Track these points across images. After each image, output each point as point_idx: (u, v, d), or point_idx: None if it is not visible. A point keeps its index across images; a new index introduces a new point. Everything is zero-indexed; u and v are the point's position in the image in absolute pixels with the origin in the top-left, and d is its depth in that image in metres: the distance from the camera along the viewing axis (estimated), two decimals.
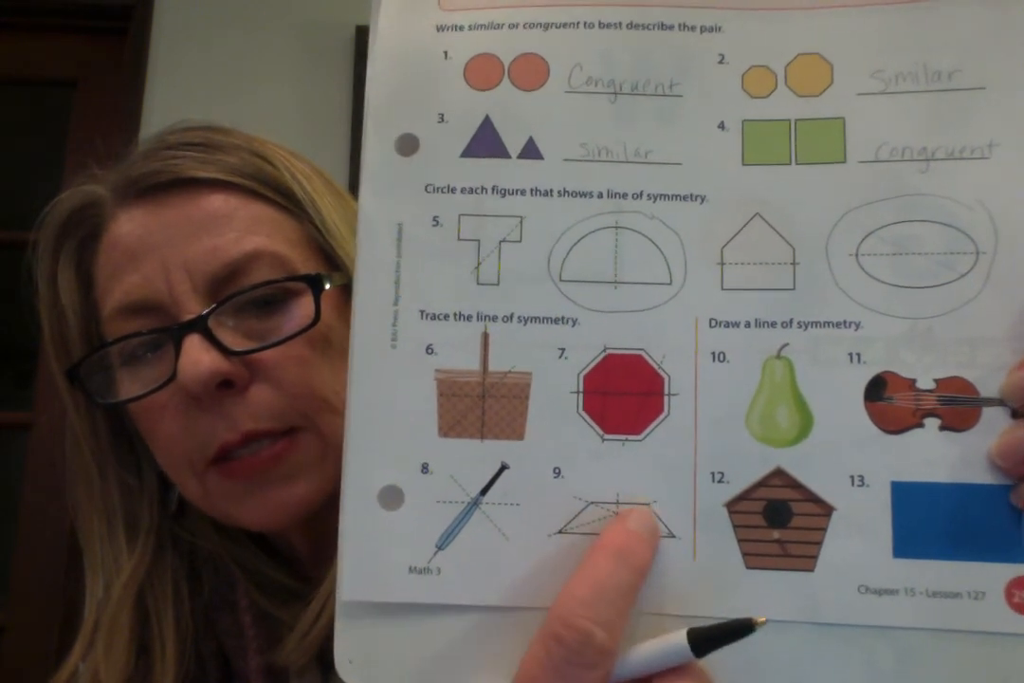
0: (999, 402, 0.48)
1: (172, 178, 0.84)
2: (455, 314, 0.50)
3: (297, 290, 0.81)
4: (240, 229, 0.82)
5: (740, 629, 0.45)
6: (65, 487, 0.90)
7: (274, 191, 0.86)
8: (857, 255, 0.50)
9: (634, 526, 0.47)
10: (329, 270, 0.84)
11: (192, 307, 0.80)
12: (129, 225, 0.84)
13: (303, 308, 0.80)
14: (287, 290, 0.81)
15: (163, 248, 0.82)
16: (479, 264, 0.51)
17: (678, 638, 0.45)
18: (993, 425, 0.48)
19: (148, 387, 0.80)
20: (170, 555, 0.89)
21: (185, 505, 0.91)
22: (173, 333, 0.79)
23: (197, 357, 0.76)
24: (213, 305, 0.79)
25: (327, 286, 0.81)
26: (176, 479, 0.85)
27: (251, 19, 2.68)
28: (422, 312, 0.50)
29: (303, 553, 0.90)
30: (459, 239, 0.51)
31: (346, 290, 0.84)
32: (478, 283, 0.51)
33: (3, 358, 3.42)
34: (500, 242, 0.51)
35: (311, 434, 0.80)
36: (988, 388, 0.48)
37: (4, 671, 2.32)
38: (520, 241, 0.51)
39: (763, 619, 0.44)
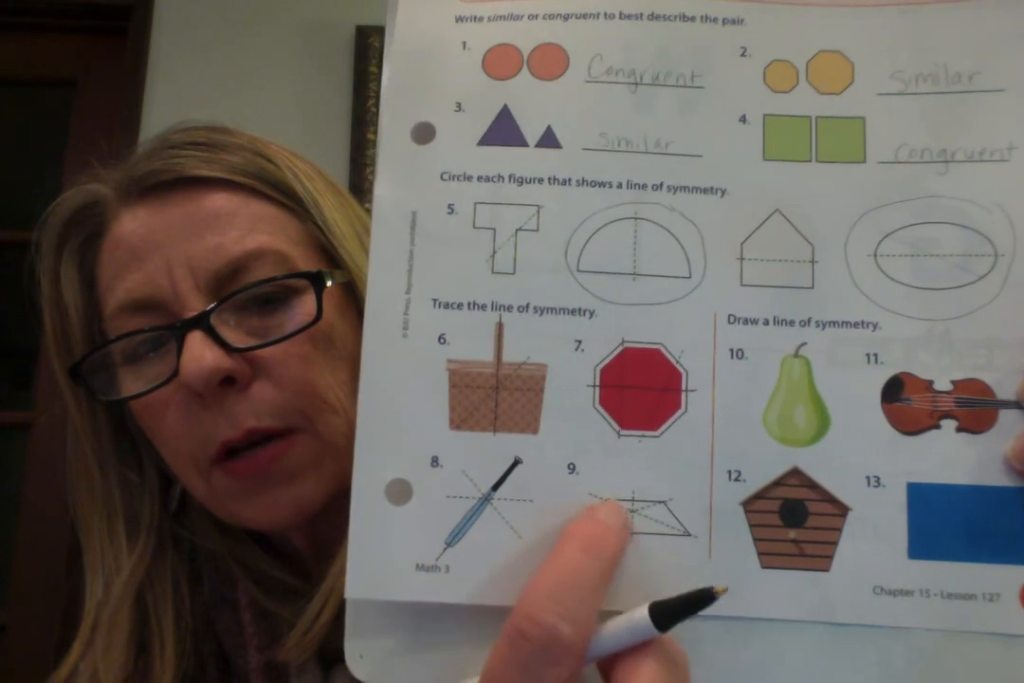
0: (1016, 404, 0.48)
1: (175, 177, 0.84)
2: (469, 303, 0.50)
3: (299, 288, 0.82)
4: (243, 227, 0.83)
5: (701, 600, 0.44)
6: (66, 486, 0.90)
7: (276, 190, 0.86)
8: (875, 256, 0.50)
9: (603, 517, 0.47)
10: (330, 268, 0.84)
11: (195, 304, 0.80)
12: (132, 224, 0.85)
13: (305, 306, 0.81)
14: (289, 288, 0.82)
15: (166, 246, 0.82)
16: (494, 253, 0.50)
17: (640, 613, 0.44)
18: (1010, 427, 0.48)
19: (150, 384, 0.80)
20: (170, 554, 0.89)
21: (186, 503, 0.91)
22: (176, 330, 0.79)
23: (200, 354, 0.77)
24: (215, 302, 0.79)
25: (329, 283, 0.82)
26: (182, 477, 0.85)
27: (251, 19, 2.68)
28: (435, 301, 0.50)
29: (304, 550, 0.90)
30: (474, 227, 0.51)
31: (347, 288, 0.85)
32: (493, 272, 0.50)
33: (3, 358, 3.41)
34: (516, 231, 0.50)
35: (308, 435, 0.80)
36: (1005, 390, 0.48)
37: (4, 670, 2.32)
38: (537, 230, 0.51)
39: (723, 588, 0.44)
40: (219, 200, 0.84)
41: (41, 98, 3.02)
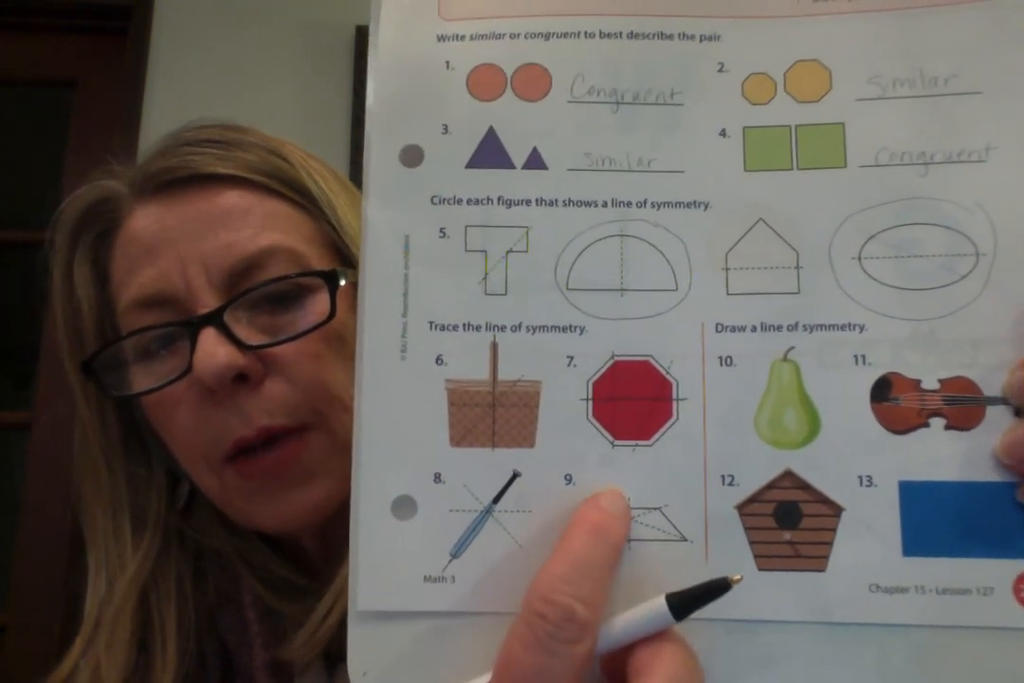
0: (1002, 401, 0.48)
1: (189, 174, 0.85)
2: (464, 324, 0.51)
3: (312, 286, 0.82)
4: (256, 225, 0.83)
5: (717, 589, 0.45)
6: (68, 486, 0.91)
7: (290, 188, 0.87)
8: (860, 258, 0.50)
9: (607, 505, 0.48)
10: (343, 267, 0.85)
11: (208, 301, 0.81)
12: (146, 220, 0.85)
13: (318, 304, 0.81)
14: (302, 286, 0.82)
15: (180, 243, 0.82)
16: (486, 274, 0.51)
17: (657, 604, 0.45)
18: (997, 424, 0.48)
19: (162, 381, 0.81)
20: (175, 551, 0.89)
21: (193, 502, 0.92)
22: (189, 327, 0.80)
23: (212, 350, 0.77)
24: (229, 299, 0.80)
25: (342, 282, 0.82)
26: (193, 475, 0.85)
27: (251, 19, 2.68)
28: (431, 323, 0.51)
29: (312, 550, 0.91)
30: (466, 250, 0.51)
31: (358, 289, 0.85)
32: (486, 293, 0.51)
33: (3, 358, 3.42)
34: (507, 252, 0.51)
35: (323, 433, 0.81)
36: (991, 387, 0.48)
37: (4, 670, 2.33)
38: (527, 251, 0.51)
39: (738, 577, 0.45)
40: (233, 198, 0.84)
41: (41, 98, 3.02)
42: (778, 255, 0.51)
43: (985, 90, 0.51)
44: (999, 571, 0.47)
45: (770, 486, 0.49)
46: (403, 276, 0.51)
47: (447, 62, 0.53)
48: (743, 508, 0.49)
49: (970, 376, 0.49)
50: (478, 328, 0.51)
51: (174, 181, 0.85)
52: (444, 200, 0.52)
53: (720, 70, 0.52)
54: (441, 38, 0.54)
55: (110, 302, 0.88)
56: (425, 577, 0.49)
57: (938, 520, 0.48)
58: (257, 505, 0.82)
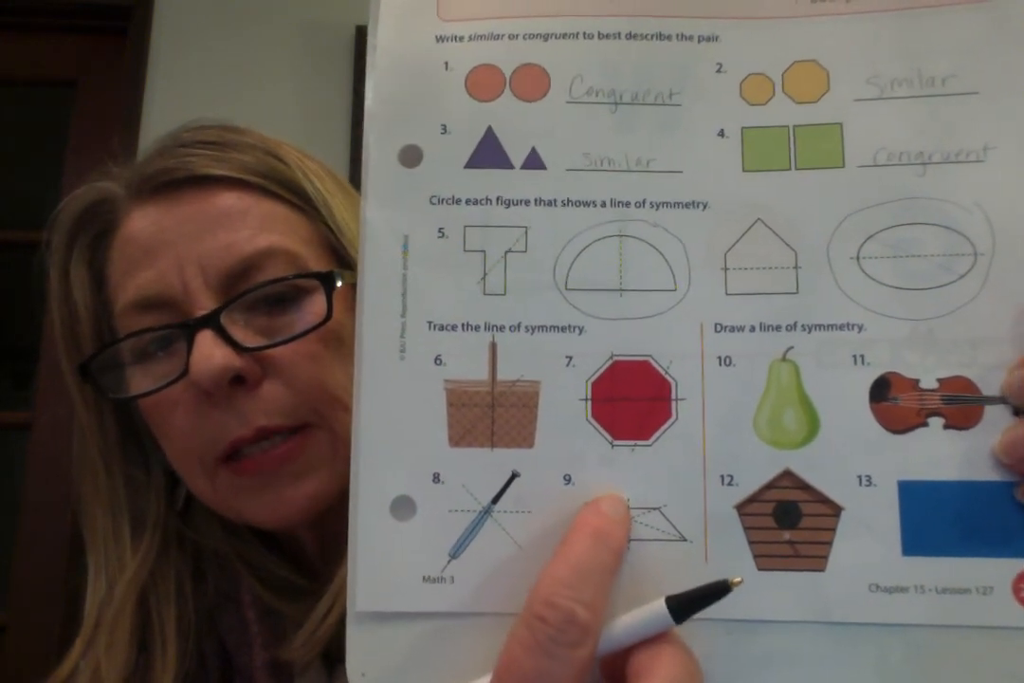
0: (1001, 400, 0.48)
1: (186, 175, 0.85)
2: (463, 324, 0.51)
3: (309, 288, 0.82)
4: (254, 226, 0.83)
5: (717, 591, 0.45)
6: (68, 486, 0.91)
7: (287, 190, 0.87)
8: (858, 258, 0.50)
9: (607, 509, 0.48)
10: (340, 269, 0.85)
11: (205, 303, 0.81)
12: (143, 221, 0.85)
13: (315, 305, 0.81)
14: (299, 287, 0.82)
15: (177, 244, 0.82)
16: (485, 274, 0.51)
17: (657, 606, 0.45)
18: (996, 423, 0.48)
19: (159, 383, 0.81)
20: (174, 552, 0.89)
21: (191, 503, 0.92)
22: (186, 329, 0.80)
23: (209, 352, 0.77)
24: (225, 301, 0.80)
25: (339, 284, 0.82)
26: (186, 477, 0.85)
27: (251, 19, 2.68)
28: (430, 323, 0.51)
29: (311, 550, 0.91)
30: (465, 250, 0.51)
31: (356, 288, 0.85)
32: (484, 293, 0.51)
33: (3, 358, 3.42)
34: (506, 252, 0.51)
35: (323, 431, 0.81)
36: (990, 387, 0.48)
37: (4, 670, 2.33)
38: (525, 251, 0.51)
39: (738, 579, 0.45)
40: (230, 199, 0.84)
41: (41, 98, 3.02)
42: (777, 255, 0.51)
43: (983, 90, 0.51)
44: (998, 570, 0.47)
45: (769, 486, 0.49)
46: (402, 276, 0.51)
47: (446, 63, 0.53)
48: (742, 508, 0.49)
49: (969, 375, 0.49)
50: (477, 328, 0.51)
51: (171, 182, 0.85)
52: (443, 200, 0.52)
53: (718, 71, 0.52)
54: (440, 39, 0.54)
55: (107, 304, 0.88)
56: (424, 578, 0.49)
57: (937, 519, 0.48)
58: (249, 501, 0.82)
